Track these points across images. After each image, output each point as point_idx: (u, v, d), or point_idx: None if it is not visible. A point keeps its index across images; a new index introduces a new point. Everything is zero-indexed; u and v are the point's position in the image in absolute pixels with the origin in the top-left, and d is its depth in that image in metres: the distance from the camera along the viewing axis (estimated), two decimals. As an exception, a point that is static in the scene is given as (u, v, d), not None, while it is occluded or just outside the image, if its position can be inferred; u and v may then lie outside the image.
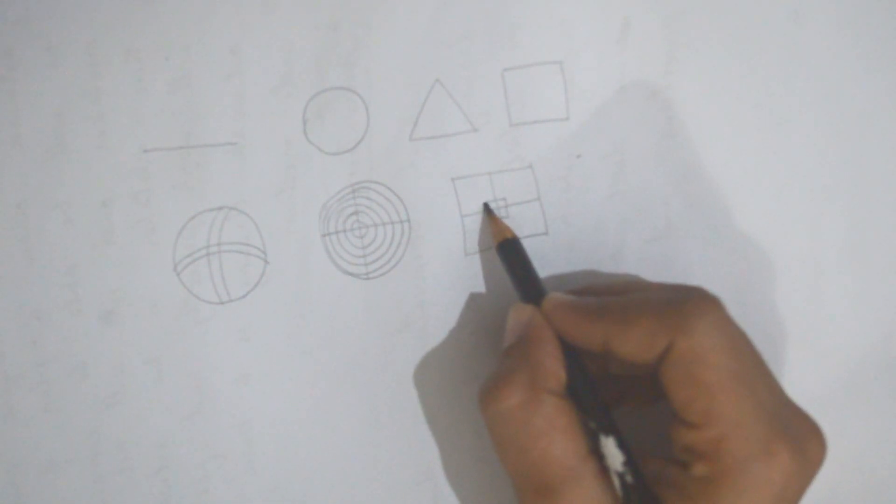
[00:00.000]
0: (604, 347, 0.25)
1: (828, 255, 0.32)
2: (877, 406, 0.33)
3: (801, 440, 0.24)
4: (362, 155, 0.29)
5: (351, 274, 0.30)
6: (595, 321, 0.25)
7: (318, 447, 0.30)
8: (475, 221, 0.30)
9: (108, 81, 0.28)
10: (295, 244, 0.29)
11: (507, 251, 0.28)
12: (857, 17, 0.32)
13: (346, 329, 0.30)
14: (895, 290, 0.33)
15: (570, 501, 0.24)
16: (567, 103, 0.30)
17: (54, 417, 0.28)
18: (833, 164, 0.32)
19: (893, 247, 0.33)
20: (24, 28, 0.27)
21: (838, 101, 0.32)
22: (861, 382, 0.33)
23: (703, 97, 0.31)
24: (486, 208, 0.30)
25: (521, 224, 0.30)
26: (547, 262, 0.31)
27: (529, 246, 0.30)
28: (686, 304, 0.24)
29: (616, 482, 0.24)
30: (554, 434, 0.24)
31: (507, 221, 0.30)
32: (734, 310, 0.25)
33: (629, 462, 0.24)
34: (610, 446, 0.24)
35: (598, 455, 0.25)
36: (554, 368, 0.25)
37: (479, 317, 0.30)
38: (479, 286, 0.30)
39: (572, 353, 0.26)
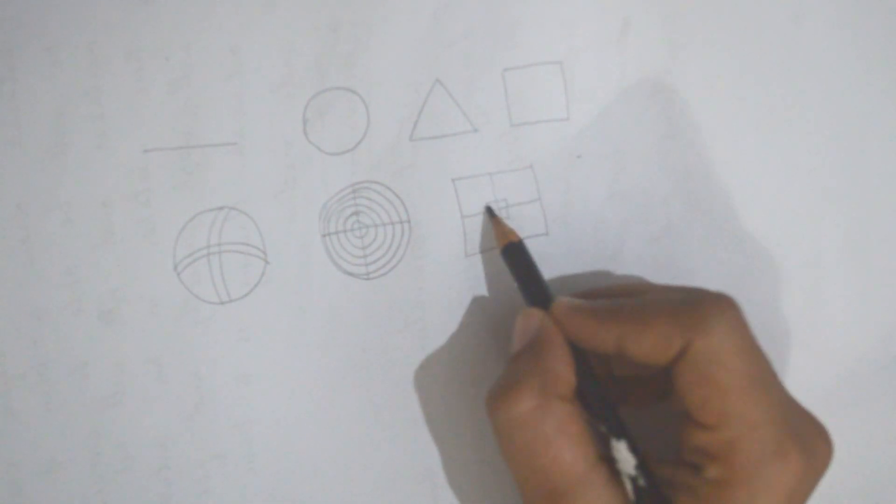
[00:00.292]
0: (617, 350, 0.25)
1: (828, 255, 0.32)
2: (877, 406, 0.33)
3: (810, 442, 0.24)
4: (362, 155, 0.29)
5: (351, 274, 0.30)
6: (609, 324, 0.25)
7: (318, 447, 0.30)
8: (476, 222, 0.30)
9: (108, 81, 0.28)
10: (295, 244, 0.29)
11: (512, 255, 0.28)
12: (857, 17, 0.32)
13: (346, 329, 0.30)
14: (895, 290, 0.33)
15: None
16: (567, 103, 0.30)
17: (54, 417, 0.28)
18: (833, 164, 0.32)
19: (893, 247, 0.33)
20: (24, 28, 0.27)
21: (838, 101, 0.32)
22: (861, 382, 0.33)
23: (704, 97, 0.31)
24: (490, 211, 0.30)
25: (522, 224, 0.30)
26: (547, 262, 0.31)
27: (530, 246, 0.30)
28: (703, 304, 0.24)
29: (628, 486, 0.24)
30: (564, 440, 0.24)
31: (507, 222, 0.30)
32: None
33: (641, 465, 0.24)
34: (622, 450, 0.24)
35: (607, 460, 0.24)
36: (565, 373, 0.25)
37: (479, 317, 0.30)
38: (480, 287, 0.30)
39: (581, 357, 0.26)
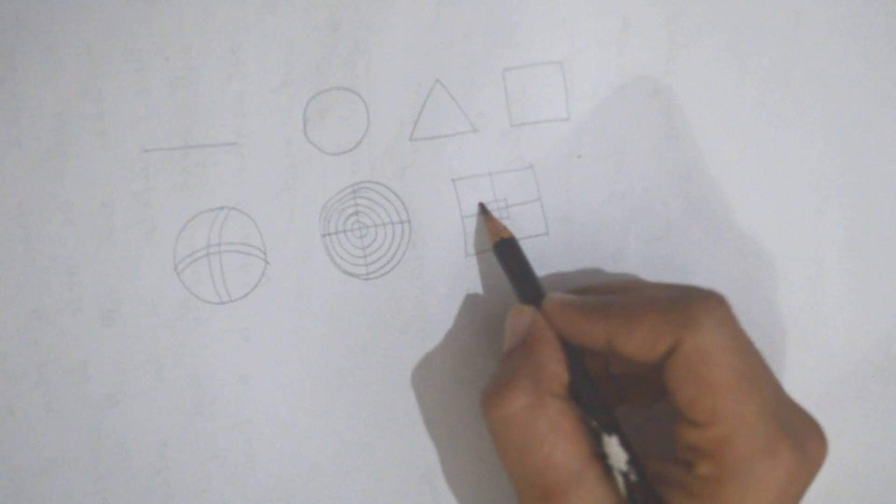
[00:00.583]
0: (607, 346, 0.25)
1: (828, 255, 0.32)
2: (877, 406, 0.33)
3: (803, 439, 0.24)
4: (362, 155, 0.29)
5: (351, 274, 0.30)
6: (599, 320, 0.25)
7: (318, 447, 0.30)
8: (475, 222, 0.30)
9: (108, 81, 0.28)
10: (295, 244, 0.29)
11: (504, 251, 0.28)
12: (857, 18, 0.32)
13: (346, 329, 0.30)
14: (895, 290, 0.33)
15: None
16: (567, 103, 0.30)
17: (54, 417, 0.28)
18: (833, 164, 0.32)
19: (893, 247, 0.33)
20: (24, 28, 0.27)
21: (838, 101, 0.32)
22: (861, 382, 0.33)
23: (703, 97, 0.31)
24: (482, 208, 0.30)
25: (522, 224, 0.30)
26: (547, 262, 0.31)
27: (530, 246, 0.30)
28: (692, 301, 0.24)
29: (620, 481, 0.24)
30: (557, 438, 0.24)
31: (507, 222, 0.30)
32: (734, 310, 0.25)
33: (632, 461, 0.24)
34: (613, 445, 0.24)
35: (601, 458, 0.24)
36: (557, 371, 0.25)
37: (479, 318, 0.30)
38: (480, 287, 0.30)
39: (573, 353, 0.26)
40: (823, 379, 0.32)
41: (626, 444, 0.24)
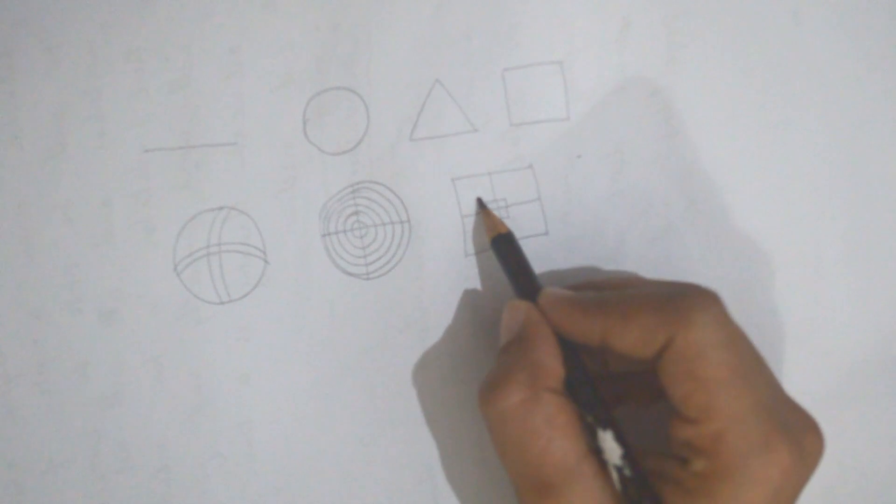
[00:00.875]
0: (602, 342, 0.25)
1: (828, 255, 0.32)
2: (877, 406, 0.33)
3: (799, 435, 0.24)
4: (362, 155, 0.29)
5: (351, 274, 0.30)
6: (593, 316, 0.25)
7: (318, 447, 0.30)
8: (475, 222, 0.30)
9: (108, 81, 0.28)
10: (295, 244, 0.29)
11: (501, 246, 0.28)
12: (857, 17, 0.32)
13: (346, 329, 0.30)
14: (895, 290, 0.33)
15: (569, 500, 0.24)
16: (567, 103, 0.30)
17: (54, 417, 0.28)
18: (833, 164, 0.32)
19: (893, 247, 0.33)
20: (24, 28, 0.27)
21: (838, 100, 0.32)
22: (861, 382, 0.33)
23: (703, 97, 0.31)
24: (480, 203, 0.30)
25: (522, 224, 0.30)
26: (547, 262, 0.31)
27: (530, 246, 0.30)
28: (685, 299, 0.24)
29: (614, 476, 0.24)
30: (553, 432, 0.24)
31: (507, 222, 0.30)
32: (734, 309, 0.25)
33: (627, 455, 0.24)
34: (608, 440, 0.24)
35: (597, 453, 0.25)
36: (552, 365, 0.25)
37: (478, 317, 0.30)
38: (479, 286, 0.30)
39: (570, 348, 0.26)
40: (823, 379, 0.32)
41: (620, 439, 0.24)
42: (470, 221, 0.30)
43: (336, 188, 0.29)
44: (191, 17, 0.28)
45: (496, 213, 0.30)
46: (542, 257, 0.30)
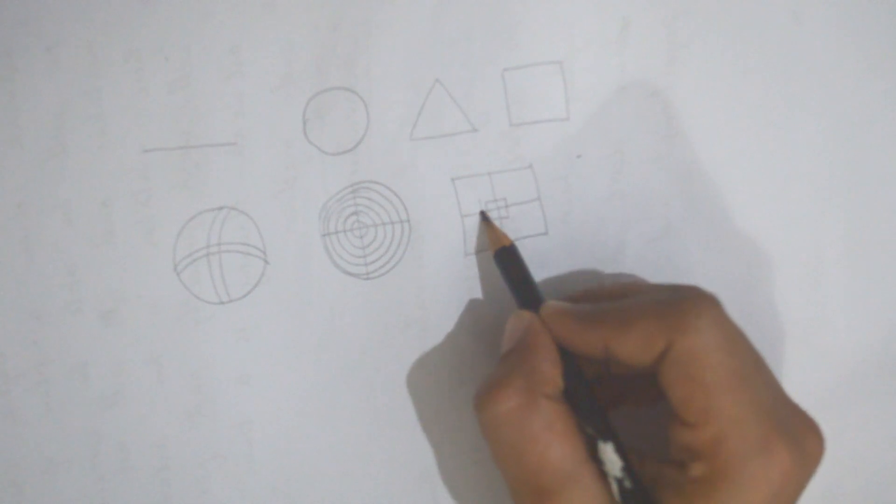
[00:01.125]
0: (604, 352, 0.25)
1: (828, 255, 0.32)
2: (877, 406, 0.33)
3: (799, 438, 0.24)
4: (362, 155, 0.29)
5: (351, 274, 0.30)
6: (594, 327, 0.25)
7: (318, 447, 0.30)
8: (475, 222, 0.30)
9: (108, 81, 0.28)
10: (295, 244, 0.29)
11: (504, 259, 0.29)
12: (857, 17, 0.32)
13: (346, 329, 0.30)
14: (895, 290, 0.33)
15: None
16: (567, 103, 0.30)
17: (54, 417, 0.28)
18: (833, 164, 0.32)
19: (893, 247, 0.33)
20: (24, 28, 0.27)
21: (838, 100, 0.32)
22: (861, 382, 0.33)
23: (704, 97, 0.31)
24: (483, 216, 0.30)
25: (521, 224, 0.30)
26: (547, 262, 0.31)
27: (529, 246, 0.30)
28: (683, 303, 0.24)
29: (614, 487, 0.24)
30: (551, 438, 0.24)
31: (506, 222, 0.30)
32: (734, 310, 0.25)
33: (627, 468, 0.24)
34: (608, 452, 0.24)
35: (595, 460, 0.24)
36: (551, 373, 0.25)
37: (478, 317, 0.30)
38: (479, 286, 0.30)
39: (570, 360, 0.26)
40: (823, 379, 0.32)
41: (620, 451, 0.24)
42: (469, 221, 0.30)
43: (336, 188, 0.29)
44: (191, 17, 0.28)
45: (496, 213, 0.30)
46: (541, 257, 0.30)
